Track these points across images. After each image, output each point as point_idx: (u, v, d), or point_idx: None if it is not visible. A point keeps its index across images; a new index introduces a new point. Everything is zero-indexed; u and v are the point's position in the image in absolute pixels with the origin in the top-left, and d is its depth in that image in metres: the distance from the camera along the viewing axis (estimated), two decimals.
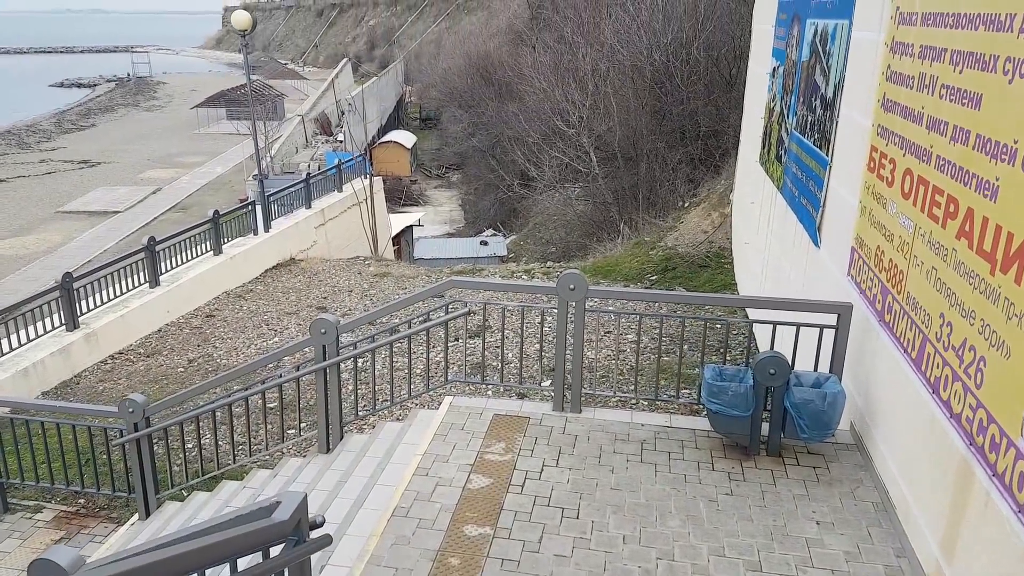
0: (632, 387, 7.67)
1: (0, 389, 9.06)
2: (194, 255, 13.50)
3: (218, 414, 6.79)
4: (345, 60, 74.28)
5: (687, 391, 7.61)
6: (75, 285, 10.48)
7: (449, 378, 6.43)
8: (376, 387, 6.43)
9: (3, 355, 9.55)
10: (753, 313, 7.14)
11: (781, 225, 8.04)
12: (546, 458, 5.42)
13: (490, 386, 7.34)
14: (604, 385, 8.15)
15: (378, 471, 5.67)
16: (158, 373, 10.33)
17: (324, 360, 6.18)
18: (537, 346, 9.68)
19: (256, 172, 15.56)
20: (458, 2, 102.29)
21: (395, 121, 57.67)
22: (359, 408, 6.60)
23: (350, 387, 8.51)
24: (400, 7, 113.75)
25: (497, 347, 10.16)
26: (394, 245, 21.34)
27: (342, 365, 6.56)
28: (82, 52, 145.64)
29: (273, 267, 15.14)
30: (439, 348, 10.54)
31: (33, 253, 28.55)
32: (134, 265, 11.95)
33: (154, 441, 6.82)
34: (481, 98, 36.36)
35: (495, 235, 26.30)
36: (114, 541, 6.78)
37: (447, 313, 6.10)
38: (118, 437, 6.76)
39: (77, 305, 10.56)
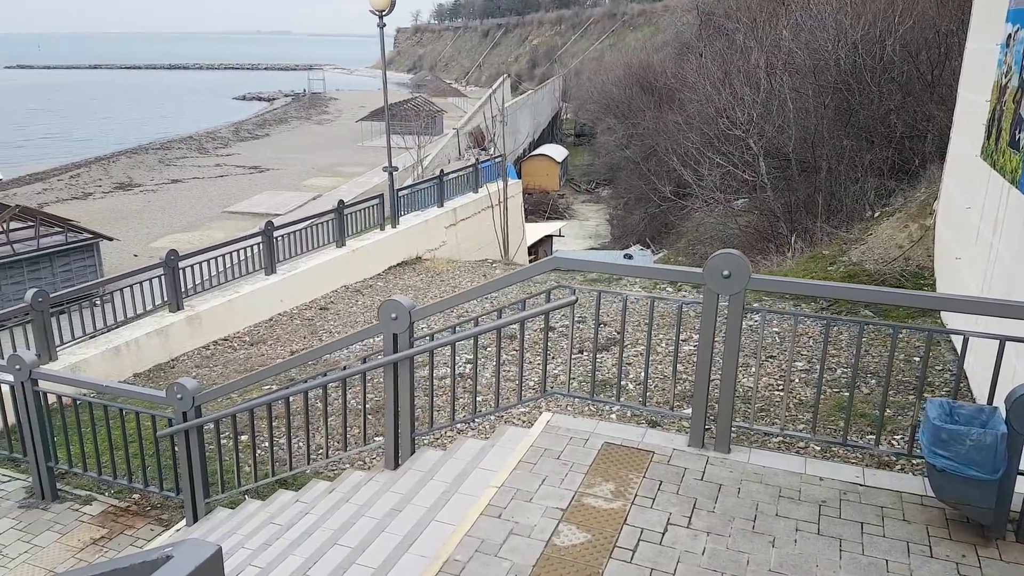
0: (806, 423, 5.85)
1: (88, 366, 8.69)
2: (315, 245, 12.97)
3: (274, 410, 5.73)
4: (504, 76, 75.28)
5: (897, 436, 5.67)
6: (180, 264, 10.08)
7: (548, 389, 4.96)
8: (456, 393, 5.09)
9: (97, 331, 9.21)
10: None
11: (1019, 228, 5.98)
12: (673, 513, 3.84)
13: (603, 405, 5.80)
14: (765, 418, 6.35)
15: (441, 502, 4.29)
16: (257, 363, 9.65)
17: (395, 352, 4.94)
18: (670, 356, 8.03)
19: (387, 164, 14.94)
20: (623, 19, 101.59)
21: (548, 136, 57.31)
22: (434, 418, 5.27)
23: (427, 390, 7.30)
24: (564, 26, 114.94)
25: (615, 354, 8.57)
26: (530, 254, 20.20)
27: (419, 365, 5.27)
28: (265, 69, 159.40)
29: (397, 264, 14.40)
30: (536, 349, 9.13)
31: (196, 248, 30.21)
32: (250, 250, 11.52)
33: (206, 436, 5.87)
34: (638, 107, 34.80)
35: (643, 251, 24.51)
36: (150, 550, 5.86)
37: (548, 302, 4.65)
38: (168, 426, 5.87)
39: (182, 285, 10.15)
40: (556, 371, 8.30)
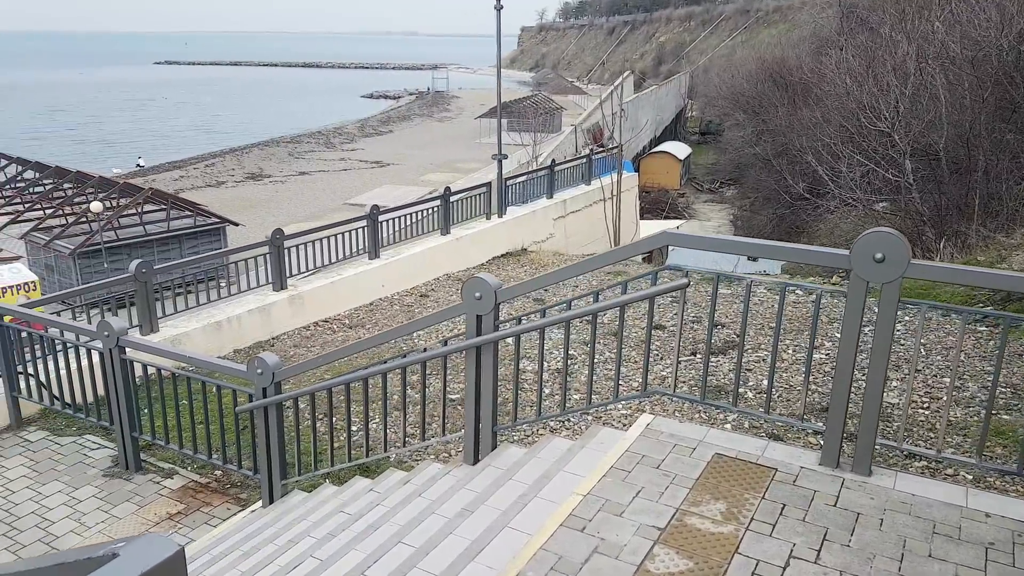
0: (956, 447, 4.93)
1: (189, 339, 8.77)
2: (420, 232, 12.79)
3: (354, 393, 5.40)
4: (628, 73, 74.03)
5: None
6: (285, 244, 10.08)
7: (651, 388, 4.33)
8: (544, 385, 4.55)
9: (199, 304, 9.31)
10: None
11: None
12: (798, 544, 3.15)
13: (715, 409, 5.09)
14: (907, 439, 5.43)
15: (517, 506, 3.76)
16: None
17: (478, 335, 4.47)
18: (796, 363, 7.17)
19: (496, 152, 14.60)
20: (757, 16, 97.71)
21: (671, 134, 55.74)
22: (518, 411, 4.74)
23: (511, 381, 6.80)
24: (693, 23, 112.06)
25: (732, 358, 7.75)
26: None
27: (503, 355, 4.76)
28: (393, 69, 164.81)
29: (501, 255, 14.03)
30: (637, 336, 8.43)
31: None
32: (354, 233, 11.45)
33: (285, 414, 5.62)
34: (770, 103, 32.97)
35: None
36: (224, 529, 5.68)
37: (654, 285, 4.03)
38: (248, 402, 5.66)
39: (286, 265, 10.15)
40: (662, 372, 7.60)
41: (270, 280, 10.12)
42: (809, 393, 6.69)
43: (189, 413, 6.00)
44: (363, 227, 11.48)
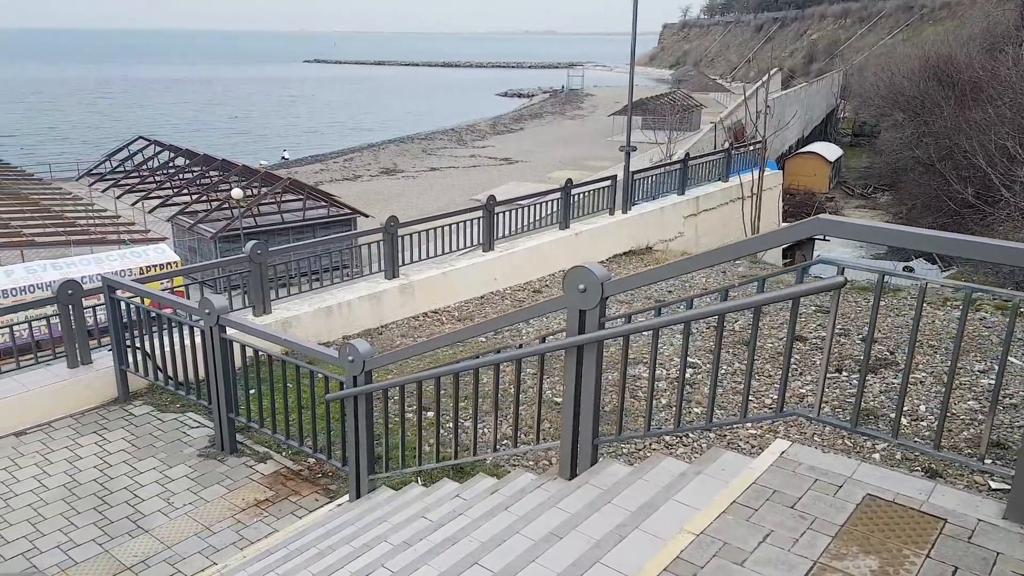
0: None
1: (299, 323, 8.73)
2: (537, 225, 12.33)
3: (446, 388, 4.99)
4: (775, 70, 70.65)
5: None
6: (399, 232, 9.90)
7: (787, 408, 3.62)
8: (657, 395, 3.94)
9: (312, 289, 9.28)
10: None
11: None
12: None
13: (866, 438, 4.27)
14: None
15: (613, 537, 3.18)
16: (464, 340, 9.15)
17: (580, 333, 3.92)
18: (966, 379, 6.14)
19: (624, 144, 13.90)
20: (921, 13, 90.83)
21: (821, 135, 52.58)
22: (624, 423, 4.14)
23: (617, 388, 6.17)
24: (849, 20, 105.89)
25: (883, 367, 6.74)
26: (785, 258, 17.99)
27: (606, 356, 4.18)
28: (529, 67, 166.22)
29: (624, 253, 13.34)
30: (770, 348, 7.54)
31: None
32: (469, 224, 11.16)
33: (375, 406, 5.29)
34: (934, 103, 30.16)
35: (931, 267, 20.94)
36: (307, 522, 5.43)
37: (802, 281, 3.32)
38: (339, 390, 5.39)
39: (399, 253, 9.98)
40: (800, 390, 6.72)
41: (382, 268, 9.98)
42: (978, 423, 5.66)
43: (283, 397, 5.82)
44: (479, 218, 11.17)
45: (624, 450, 5.80)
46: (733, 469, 3.52)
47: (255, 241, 8.40)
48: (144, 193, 28.86)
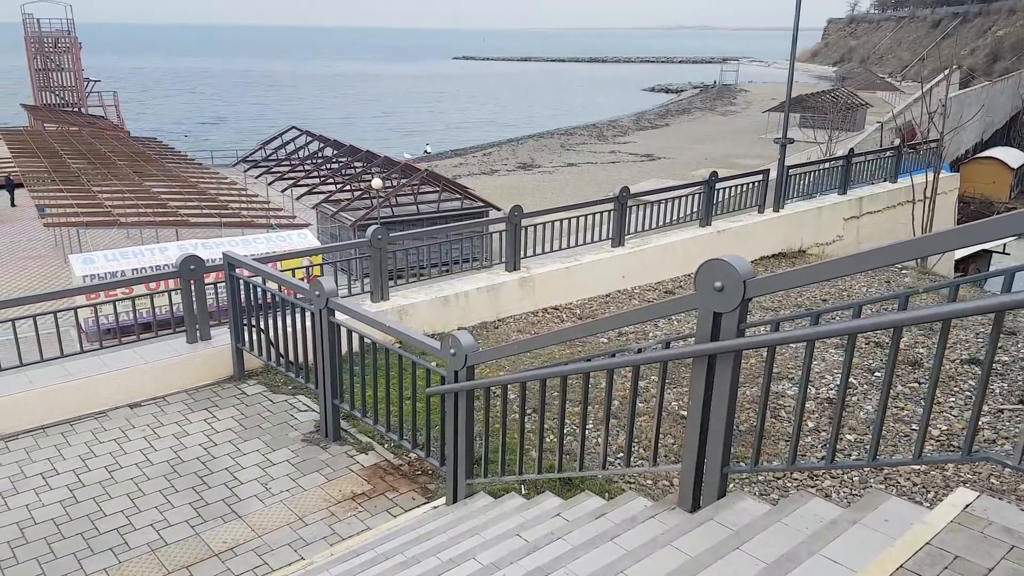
0: None
1: (415, 311, 8.53)
2: (674, 220, 11.56)
3: (554, 391, 4.51)
4: (952, 68, 64.90)
5: None
6: (523, 223, 9.50)
7: (976, 451, 2.87)
8: (804, 418, 3.27)
9: (431, 277, 9.07)
10: None
11: None
12: None
13: None
14: None
15: None
16: (578, 340, 8.63)
17: (713, 339, 3.34)
18: None
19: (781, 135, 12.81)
20: None
21: (1002, 139, 47.65)
22: (761, 448, 3.49)
23: (755, 407, 5.51)
24: None
25: None
26: (957, 271, 16.12)
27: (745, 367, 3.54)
28: (680, 62, 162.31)
29: (772, 255, 12.29)
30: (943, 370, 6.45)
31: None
32: (598, 217, 10.59)
33: (476, 405, 4.90)
34: None
35: None
36: (399, 523, 5.12)
37: (1008, 291, 2.56)
38: (440, 384, 5.05)
39: (521, 246, 9.58)
40: (993, 423, 5.70)
41: (503, 259, 9.62)
42: None
43: (386, 387, 5.55)
44: (609, 211, 10.57)
45: (759, 478, 5.08)
46: (900, 521, 2.81)
47: (376, 226, 8.27)
48: (293, 181, 30.31)
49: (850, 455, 5.48)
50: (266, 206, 27.52)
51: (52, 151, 34.29)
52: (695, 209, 11.79)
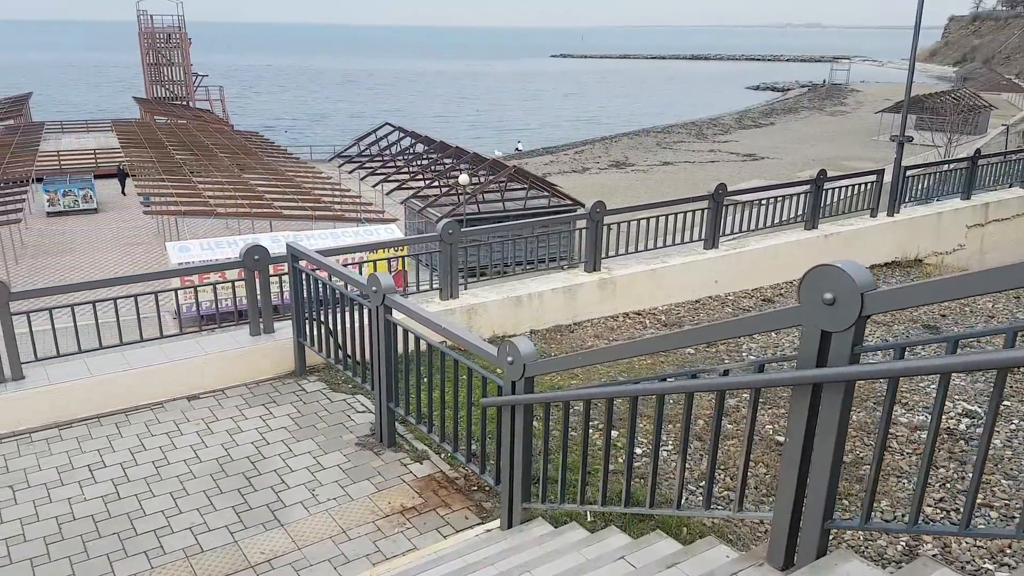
0: None
1: (484, 311, 8.08)
2: (776, 222, 10.69)
3: (622, 411, 3.95)
4: None
5: None
6: (606, 220, 8.90)
7: None
8: (931, 464, 2.62)
9: (505, 275, 8.60)
10: None
11: None
12: None
13: None
14: None
15: None
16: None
17: (821, 365, 2.73)
18: None
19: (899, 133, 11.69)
20: None
21: None
22: (875, 503, 2.82)
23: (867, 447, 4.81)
24: None
25: None
26: None
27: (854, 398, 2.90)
28: (787, 60, 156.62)
29: (885, 264, 11.19)
30: None
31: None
32: (690, 216, 9.87)
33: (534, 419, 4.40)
34: None
35: None
36: (447, 545, 4.66)
37: None
38: (497, 394, 4.57)
39: (602, 245, 8.99)
40: None
41: (583, 259, 9.06)
42: None
43: (441, 392, 5.12)
44: (703, 209, 9.83)
45: (869, 542, 4.34)
46: None
47: (447, 220, 7.88)
48: (384, 176, 30.57)
49: (990, 509, 4.63)
50: (357, 200, 27.83)
51: (158, 143, 35.87)
52: (800, 211, 10.87)
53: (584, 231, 8.95)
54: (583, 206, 28.53)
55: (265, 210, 24.69)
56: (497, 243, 9.12)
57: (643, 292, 9.14)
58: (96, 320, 6.41)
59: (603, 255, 9.01)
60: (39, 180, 33.28)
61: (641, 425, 5.55)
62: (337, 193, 28.95)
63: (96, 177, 34.34)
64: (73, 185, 32.81)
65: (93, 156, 38.40)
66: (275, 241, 22.26)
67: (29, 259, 26.96)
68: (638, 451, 5.28)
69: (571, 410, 4.39)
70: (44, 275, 25.40)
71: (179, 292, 7.33)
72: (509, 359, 4.28)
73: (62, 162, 37.43)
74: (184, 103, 53.05)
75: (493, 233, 8.77)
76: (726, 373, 3.29)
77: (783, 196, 10.64)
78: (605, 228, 8.91)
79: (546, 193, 27.34)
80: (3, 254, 24.86)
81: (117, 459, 5.66)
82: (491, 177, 27.05)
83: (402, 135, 34.27)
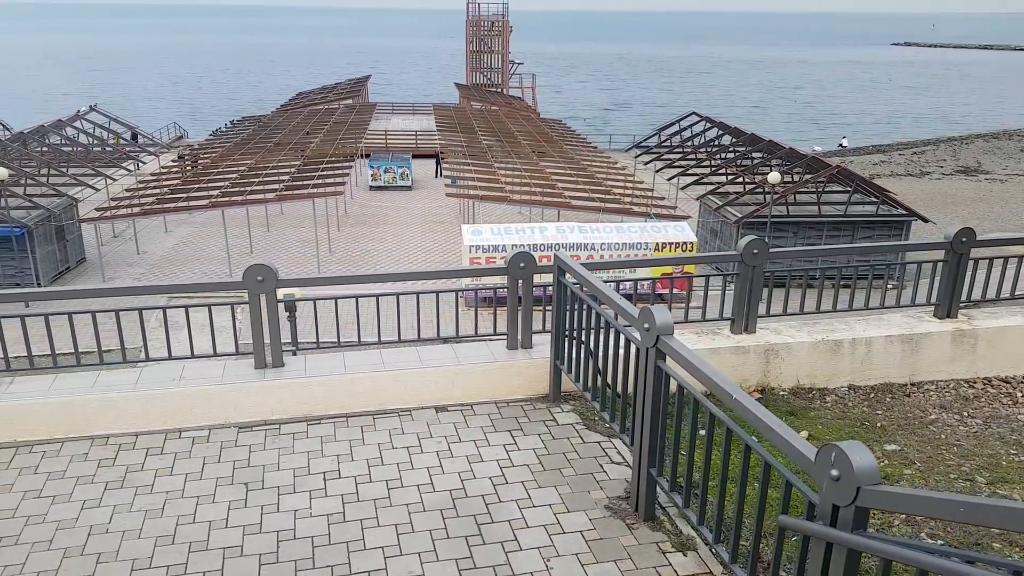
0: None
1: (788, 353, 6.55)
2: None
3: None
4: None
5: None
6: (973, 253, 6.85)
7: None
8: None
9: (819, 311, 6.98)
10: None
11: None
12: None
13: None
14: None
15: None
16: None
17: None
18: None
19: None
20: None
21: None
22: None
23: None
24: None
25: None
26: None
27: None
28: None
29: None
30: None
31: None
32: None
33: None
34: None
35: None
36: None
37: None
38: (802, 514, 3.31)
39: (964, 283, 6.95)
40: None
41: (935, 300, 7.11)
42: None
43: (721, 482, 3.95)
44: None
45: None
46: None
47: (753, 237, 6.53)
48: (682, 169, 29.22)
49: None
50: (649, 194, 26.88)
51: (469, 127, 38.05)
52: None
53: (938, 264, 7.00)
54: (922, 218, 24.66)
55: (555, 199, 24.74)
56: (802, 270, 7.54)
57: (1018, 352, 6.95)
58: (357, 315, 6.21)
59: (961, 298, 6.99)
60: (366, 156, 37.07)
61: None
62: (629, 185, 28.24)
63: (414, 157, 37.44)
64: (394, 163, 36.08)
65: (414, 137, 41.98)
66: (559, 231, 22.19)
67: (350, 227, 30.07)
68: None
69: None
70: (361, 243, 28.12)
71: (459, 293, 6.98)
72: (835, 474, 2.99)
73: (388, 141, 41.39)
74: (499, 90, 56.04)
75: (805, 257, 7.21)
76: None
77: None
78: (971, 263, 6.89)
79: (874, 199, 24.06)
80: (327, 221, 27.91)
81: (353, 470, 5.30)
82: (807, 176, 24.42)
83: (708, 125, 32.55)
